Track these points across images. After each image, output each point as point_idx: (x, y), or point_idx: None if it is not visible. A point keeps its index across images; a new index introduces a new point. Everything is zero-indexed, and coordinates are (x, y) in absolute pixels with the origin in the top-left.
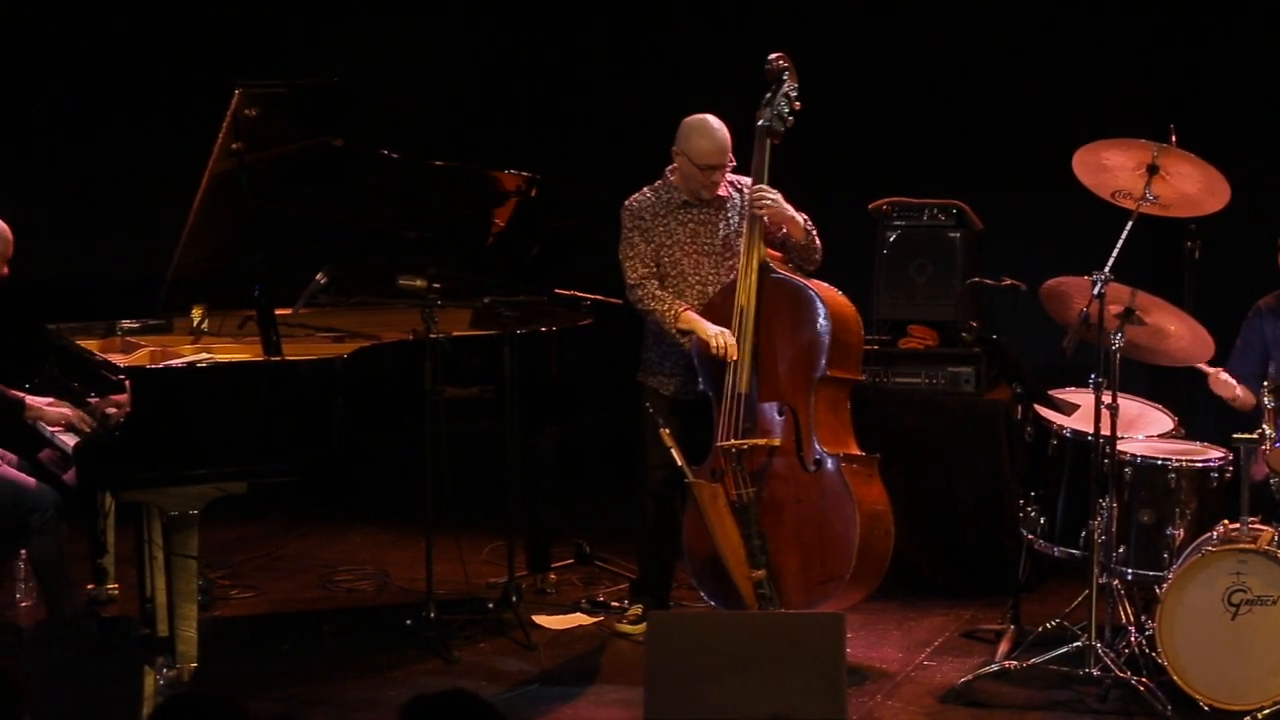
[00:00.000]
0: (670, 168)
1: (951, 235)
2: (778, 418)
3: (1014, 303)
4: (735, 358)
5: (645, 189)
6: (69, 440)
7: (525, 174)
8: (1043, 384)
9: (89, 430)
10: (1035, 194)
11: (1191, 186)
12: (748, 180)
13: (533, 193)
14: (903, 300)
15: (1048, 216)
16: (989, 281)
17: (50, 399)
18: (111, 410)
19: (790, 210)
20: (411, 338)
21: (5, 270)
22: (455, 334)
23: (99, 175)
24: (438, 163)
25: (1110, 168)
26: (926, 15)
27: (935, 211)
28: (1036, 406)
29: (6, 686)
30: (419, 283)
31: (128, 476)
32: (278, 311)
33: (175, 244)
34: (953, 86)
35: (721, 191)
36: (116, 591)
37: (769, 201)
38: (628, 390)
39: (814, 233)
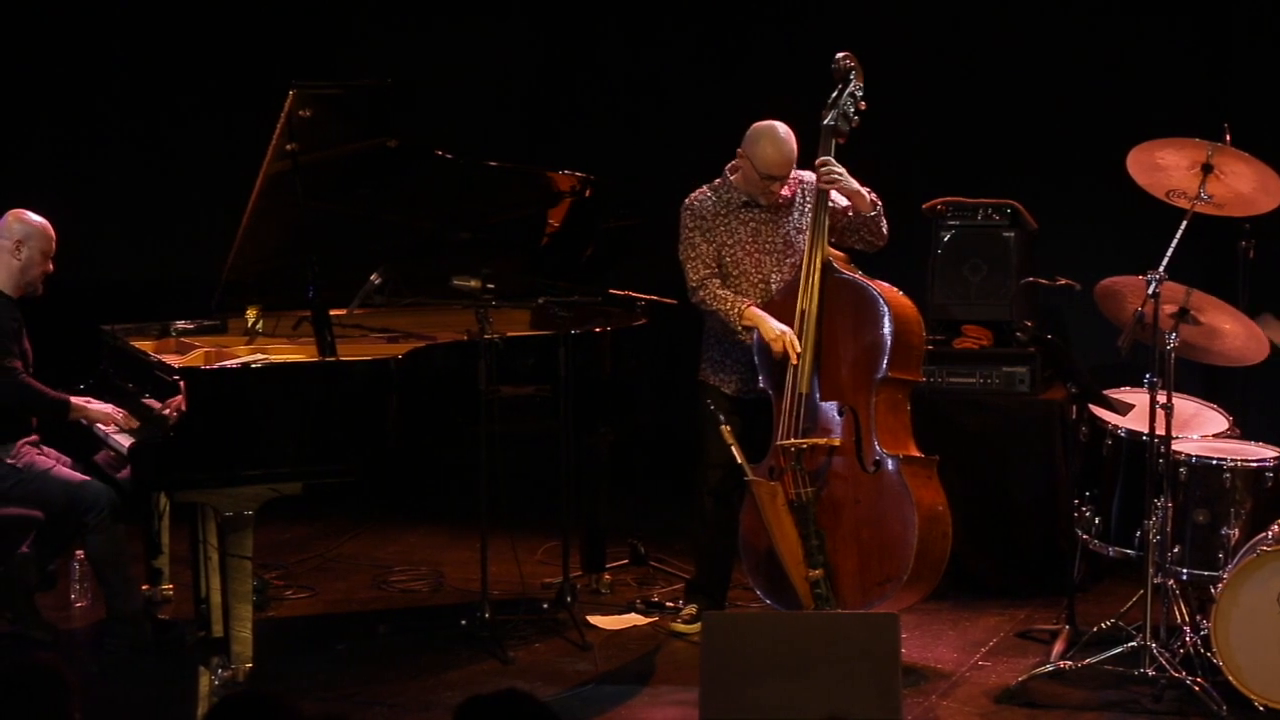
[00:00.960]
0: (731, 165)
1: (1006, 235)
2: (838, 417)
3: (1068, 302)
4: (797, 359)
5: (705, 187)
6: (124, 441)
7: (580, 174)
8: (1098, 384)
9: (134, 428)
10: (1089, 193)
11: (1246, 186)
12: (809, 176)
13: (587, 193)
14: (957, 300)
15: (1102, 216)
16: (1043, 281)
17: (89, 398)
18: (168, 413)
19: (856, 184)
20: (466, 338)
21: (50, 266)
22: (509, 334)
23: (153, 176)
24: (492, 163)
25: (1164, 167)
26: (981, 14)
27: (989, 211)
28: (1091, 406)
29: (54, 685)
30: (473, 283)
31: (182, 477)
32: (332, 312)
33: (230, 245)
34: (1007, 86)
35: (785, 191)
36: (171, 592)
37: (836, 175)
38: (682, 390)
39: (880, 208)
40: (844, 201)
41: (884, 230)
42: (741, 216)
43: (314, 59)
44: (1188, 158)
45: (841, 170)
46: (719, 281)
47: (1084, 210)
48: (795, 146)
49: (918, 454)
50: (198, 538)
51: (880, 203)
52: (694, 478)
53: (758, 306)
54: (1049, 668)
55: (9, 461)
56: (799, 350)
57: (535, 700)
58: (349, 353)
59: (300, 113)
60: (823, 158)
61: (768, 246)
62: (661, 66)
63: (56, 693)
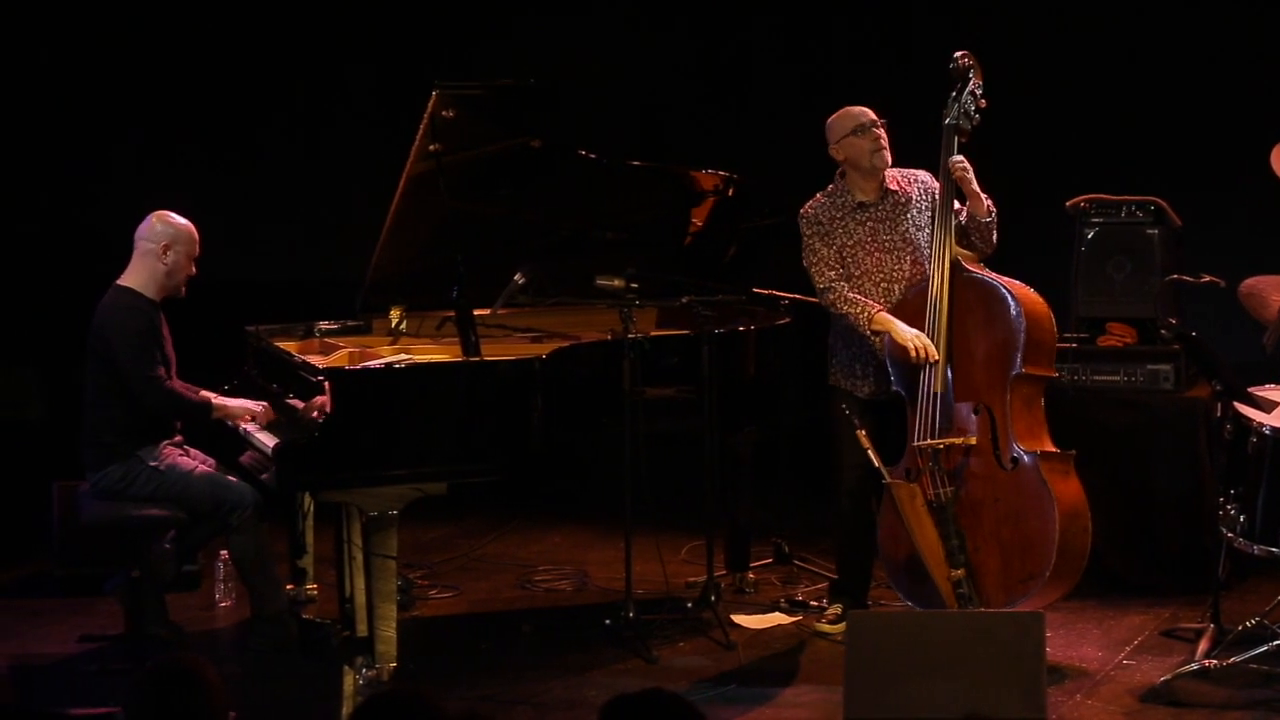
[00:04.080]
0: (840, 170)
1: (1150, 232)
2: (973, 416)
3: (1213, 299)
4: (935, 359)
5: (819, 194)
6: (268, 441)
7: (723, 173)
8: (1242, 381)
9: (273, 422)
10: (1234, 190)
11: None
12: (924, 175)
13: (730, 192)
14: (1101, 298)
15: (1246, 212)
16: (1188, 278)
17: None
18: (315, 415)
19: (977, 186)
20: (610, 338)
21: (193, 269)
22: (653, 334)
23: (298, 177)
24: (635, 163)
25: None
26: (1125, 12)
27: (1133, 208)
28: (1236, 404)
29: (197, 684)
30: (617, 283)
31: (327, 477)
32: (476, 312)
33: (374, 246)
34: (1151, 83)
35: (894, 186)
36: (316, 592)
37: (964, 167)
38: (825, 388)
39: (995, 216)
40: (957, 204)
41: (994, 239)
42: (858, 218)
43: (460, 59)
44: None
45: (967, 167)
46: (847, 285)
47: (1228, 207)
48: None
49: (1054, 449)
50: (342, 537)
51: (995, 210)
52: (831, 480)
53: (886, 310)
54: (1194, 666)
55: (150, 464)
56: (935, 354)
57: (680, 699)
58: (493, 353)
59: (443, 113)
60: (954, 156)
61: (887, 245)
62: (806, 65)
63: (200, 692)
